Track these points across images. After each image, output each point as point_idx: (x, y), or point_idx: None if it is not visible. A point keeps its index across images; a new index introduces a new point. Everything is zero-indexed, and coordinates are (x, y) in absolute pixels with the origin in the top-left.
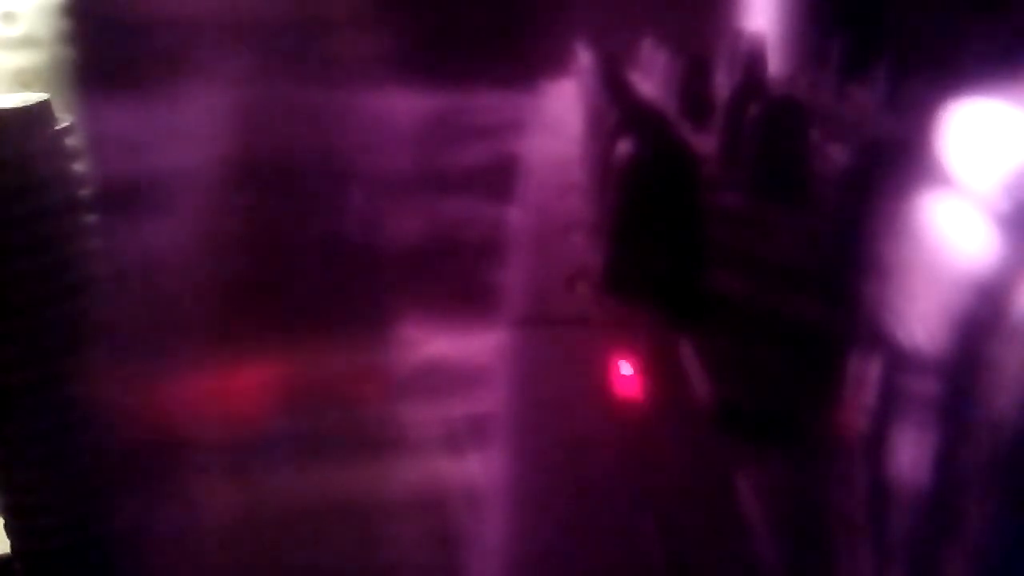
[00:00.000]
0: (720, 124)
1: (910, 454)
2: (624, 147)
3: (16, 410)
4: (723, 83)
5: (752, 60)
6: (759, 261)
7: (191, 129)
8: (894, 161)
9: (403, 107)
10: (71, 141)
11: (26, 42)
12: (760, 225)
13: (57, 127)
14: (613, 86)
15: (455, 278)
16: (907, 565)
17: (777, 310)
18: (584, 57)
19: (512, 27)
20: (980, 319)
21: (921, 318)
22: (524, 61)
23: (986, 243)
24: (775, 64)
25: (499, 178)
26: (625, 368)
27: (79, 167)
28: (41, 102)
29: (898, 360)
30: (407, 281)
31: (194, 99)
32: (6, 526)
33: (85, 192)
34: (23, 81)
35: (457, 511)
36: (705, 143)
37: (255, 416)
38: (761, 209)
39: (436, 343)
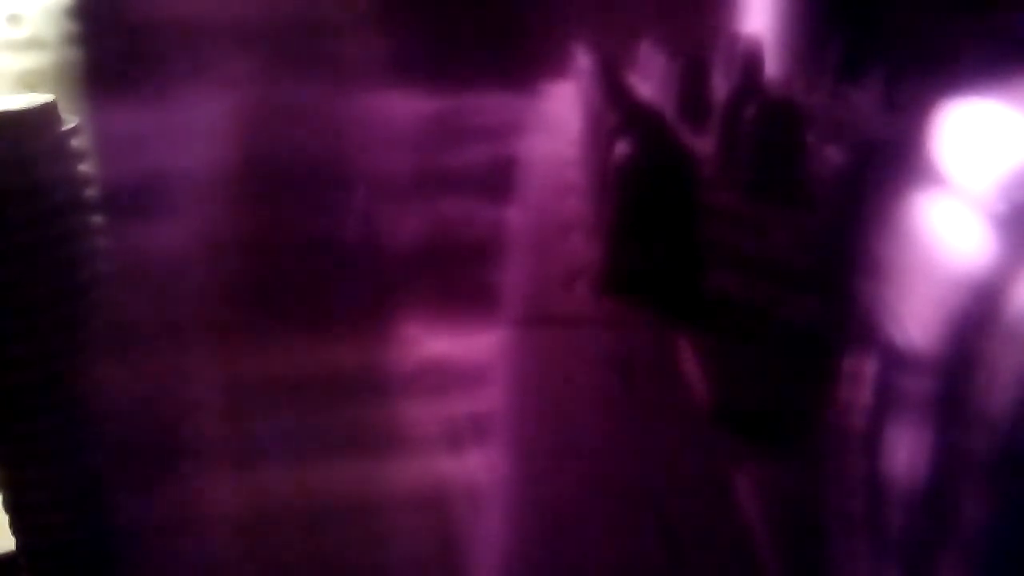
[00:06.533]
0: (717, 126)
1: (906, 452)
2: (623, 148)
3: (21, 408)
4: (720, 85)
5: (749, 62)
6: (756, 261)
7: (195, 131)
8: (890, 162)
9: (404, 109)
10: (76, 142)
11: (32, 44)
12: (757, 225)
13: (63, 128)
14: (612, 88)
15: (455, 278)
16: (904, 562)
17: (775, 310)
18: (583, 59)
19: (511, 29)
20: (975, 319)
21: (917, 318)
22: (523, 63)
23: (981, 244)
24: (772, 66)
25: (499, 178)
26: (624, 367)
27: (84, 168)
28: (47, 103)
29: (894, 359)
30: (407, 281)
31: (198, 101)
32: (11, 523)
33: (90, 193)
34: (29, 83)
35: (457, 510)
36: (703, 144)
37: (256, 415)
38: (758, 209)
39: (436, 343)
